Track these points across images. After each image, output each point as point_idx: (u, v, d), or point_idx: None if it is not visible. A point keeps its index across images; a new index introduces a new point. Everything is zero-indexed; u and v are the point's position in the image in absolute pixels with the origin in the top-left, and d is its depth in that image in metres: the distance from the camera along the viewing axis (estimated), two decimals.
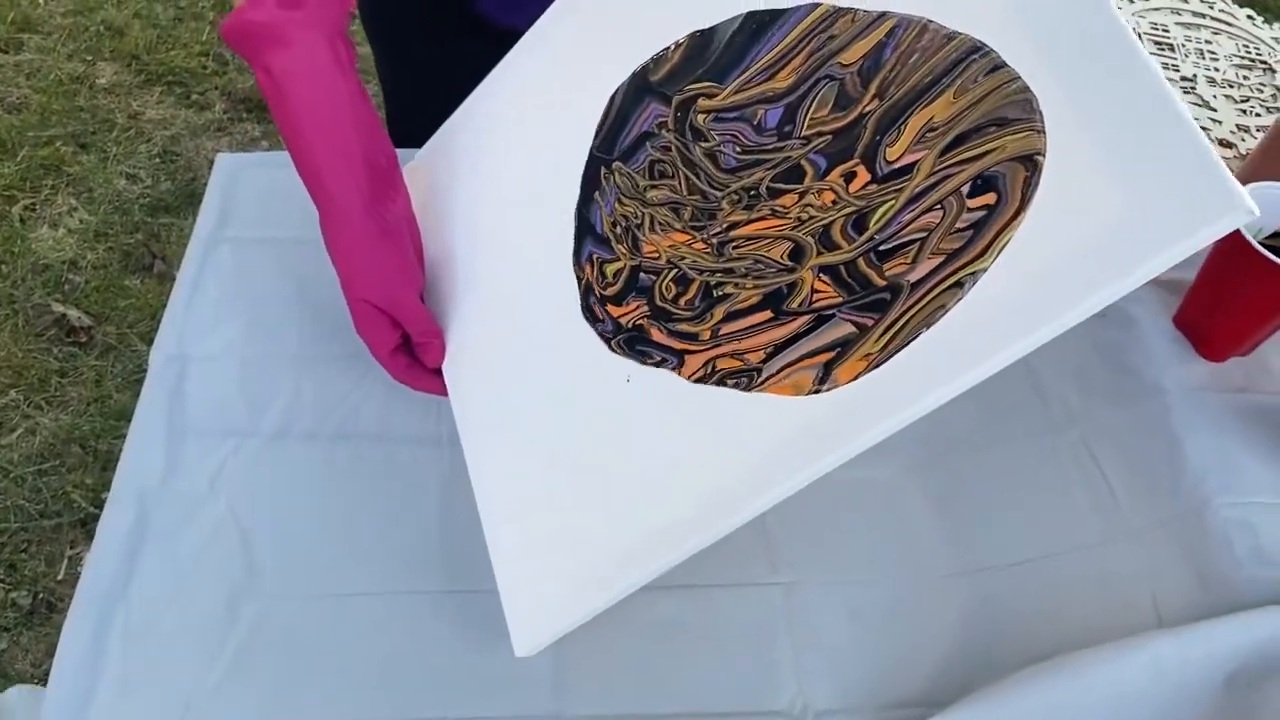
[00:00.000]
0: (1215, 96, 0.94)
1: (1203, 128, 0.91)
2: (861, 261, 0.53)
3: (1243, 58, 0.98)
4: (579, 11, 0.68)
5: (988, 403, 0.73)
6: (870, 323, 0.52)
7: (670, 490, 0.56)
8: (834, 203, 0.55)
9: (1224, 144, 0.90)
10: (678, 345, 0.58)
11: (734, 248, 0.58)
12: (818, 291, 0.54)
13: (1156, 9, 1.02)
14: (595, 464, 0.60)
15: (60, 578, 1.34)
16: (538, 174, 0.68)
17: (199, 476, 0.69)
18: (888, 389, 0.51)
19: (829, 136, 0.56)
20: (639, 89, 0.64)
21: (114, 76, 1.97)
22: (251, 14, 0.61)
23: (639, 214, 0.62)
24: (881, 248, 0.52)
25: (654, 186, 0.62)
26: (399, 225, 0.66)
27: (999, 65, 0.50)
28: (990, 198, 0.49)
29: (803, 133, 0.57)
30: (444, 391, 0.69)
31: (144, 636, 0.62)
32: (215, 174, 0.85)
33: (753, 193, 0.58)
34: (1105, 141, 0.47)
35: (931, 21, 0.53)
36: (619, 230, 0.63)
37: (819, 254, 0.55)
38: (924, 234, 0.51)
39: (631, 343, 0.60)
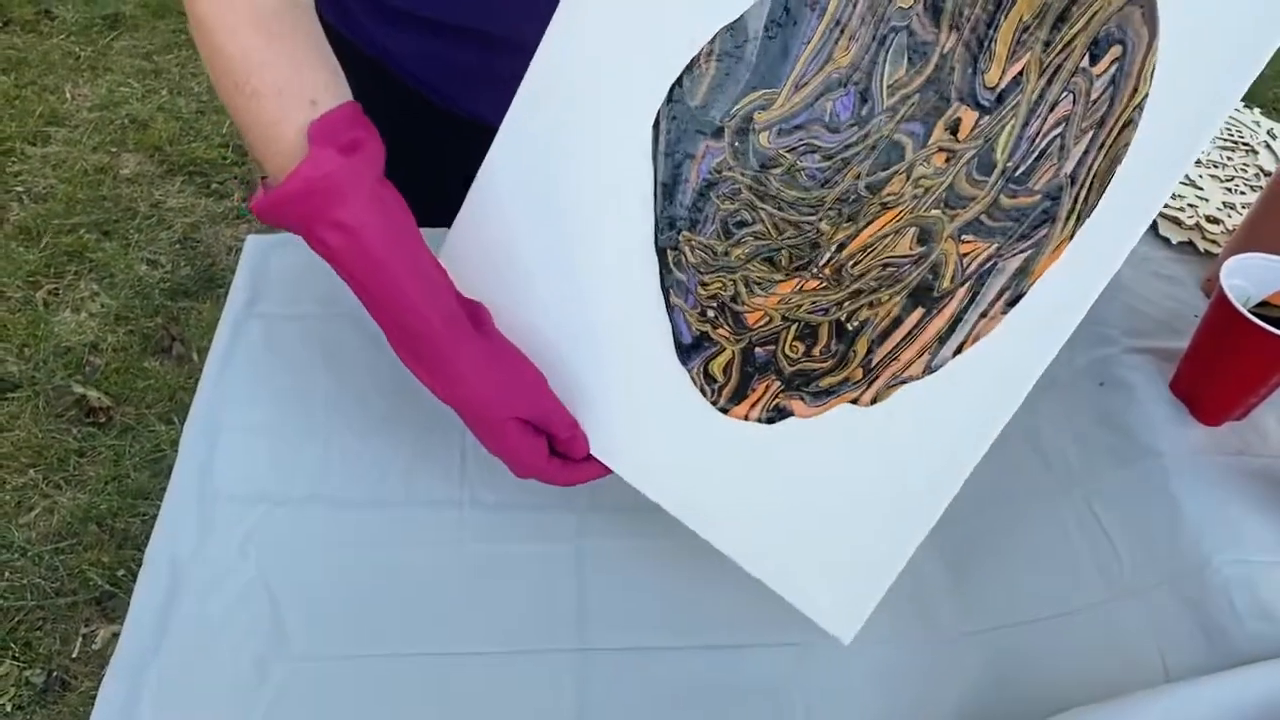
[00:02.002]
0: (1201, 176, 0.99)
1: (1190, 204, 0.95)
2: (1003, 198, 0.49)
3: (1226, 140, 1.03)
4: (578, 43, 0.58)
5: (993, 466, 0.75)
6: (1044, 234, 0.49)
7: (899, 481, 0.55)
8: (949, 160, 0.50)
9: (1211, 220, 0.94)
10: (831, 403, 0.54)
11: (853, 266, 0.52)
12: (966, 254, 0.50)
13: None
14: (817, 509, 0.57)
15: (75, 655, 1.34)
16: (597, 292, 0.61)
17: (230, 542, 0.71)
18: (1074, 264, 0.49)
19: (915, 97, 0.50)
20: (682, 125, 0.56)
21: (137, 167, 2.04)
22: (312, 171, 0.57)
23: (728, 285, 0.56)
24: (1019, 171, 0.49)
25: (736, 244, 0.55)
26: (497, 332, 0.63)
27: None
28: (1116, 50, 0.47)
29: (885, 106, 0.51)
30: (604, 470, 0.65)
31: (176, 698, 0.64)
32: (245, 255, 0.89)
33: (852, 198, 0.52)
34: None
35: None
36: (712, 315, 0.56)
37: (952, 218, 0.50)
38: (1060, 128, 0.48)
39: (778, 421, 0.56)
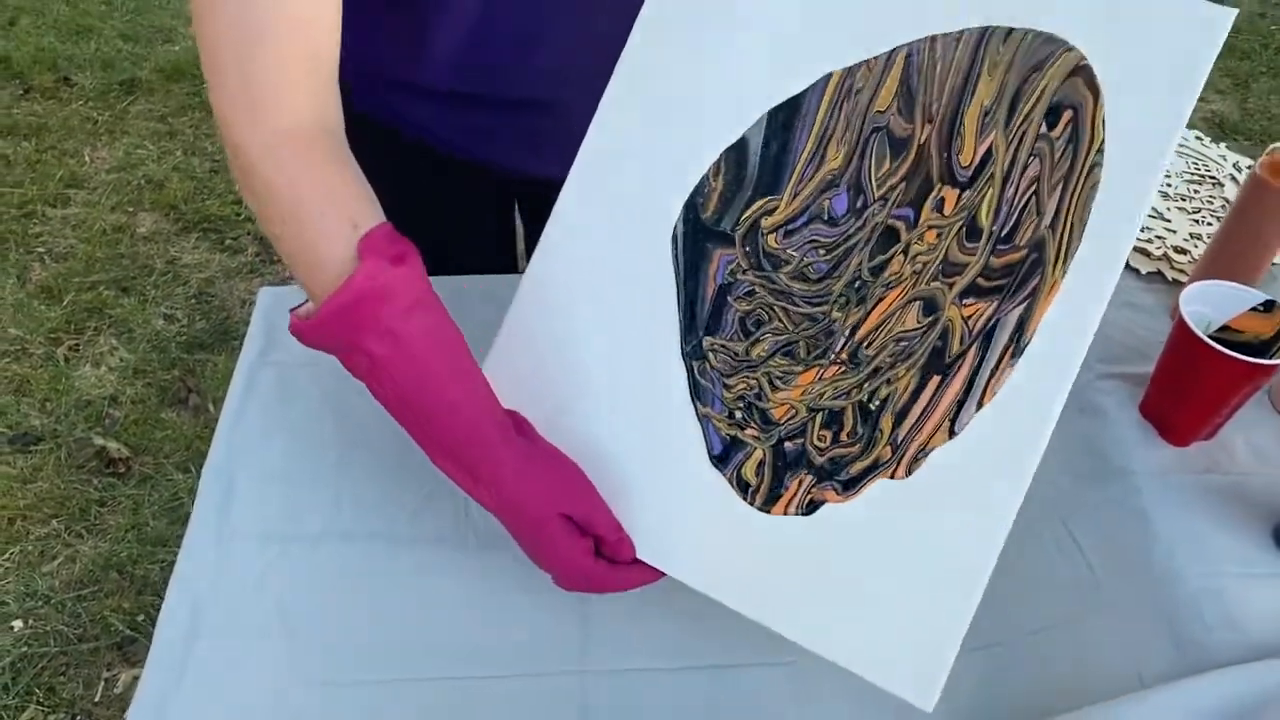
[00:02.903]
0: (1169, 209, 1.03)
1: (1158, 236, 1.00)
2: (994, 259, 0.55)
3: (1193, 174, 1.07)
4: (602, 172, 0.66)
5: None
6: (1036, 283, 0.54)
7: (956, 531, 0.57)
8: (939, 236, 0.56)
9: (1179, 250, 0.98)
10: (863, 488, 0.56)
11: (867, 347, 0.56)
12: (970, 316, 0.55)
13: None
14: (874, 584, 0.58)
15: (97, 700, 1.38)
16: (631, 404, 0.64)
17: (246, 580, 0.75)
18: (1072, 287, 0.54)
19: (902, 185, 0.57)
20: (696, 236, 0.61)
21: (153, 225, 2.10)
22: (365, 281, 0.58)
23: (753, 383, 0.59)
24: (1004, 232, 0.55)
25: (755, 343, 0.59)
26: (539, 436, 0.64)
27: (1011, 30, 0.56)
28: (1068, 114, 0.54)
29: (876, 197, 0.57)
30: (654, 574, 0.64)
31: None
32: (259, 306, 0.94)
33: (858, 284, 0.57)
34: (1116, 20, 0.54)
35: (936, 34, 0.58)
36: (740, 416, 0.59)
37: (951, 285, 0.55)
38: (1033, 187, 0.54)
39: (815, 510, 0.58)
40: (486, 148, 0.93)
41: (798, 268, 0.59)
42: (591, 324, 0.65)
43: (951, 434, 0.55)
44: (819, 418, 0.57)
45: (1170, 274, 0.97)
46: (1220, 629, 0.71)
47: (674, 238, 0.62)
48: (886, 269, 0.57)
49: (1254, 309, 0.80)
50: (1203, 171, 1.08)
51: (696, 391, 0.60)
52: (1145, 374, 0.86)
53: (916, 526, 0.56)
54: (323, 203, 0.60)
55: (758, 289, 0.60)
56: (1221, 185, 1.06)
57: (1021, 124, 0.56)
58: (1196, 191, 1.05)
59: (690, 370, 0.60)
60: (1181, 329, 0.78)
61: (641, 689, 0.69)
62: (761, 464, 0.58)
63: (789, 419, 0.58)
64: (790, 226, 0.60)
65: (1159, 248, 0.98)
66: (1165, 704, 0.67)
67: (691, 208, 0.62)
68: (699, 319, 0.61)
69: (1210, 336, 0.77)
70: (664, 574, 0.63)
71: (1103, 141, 0.54)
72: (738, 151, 0.61)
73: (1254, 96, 2.70)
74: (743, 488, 0.58)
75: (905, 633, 0.58)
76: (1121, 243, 0.53)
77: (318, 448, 0.83)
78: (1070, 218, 0.54)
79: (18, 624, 1.46)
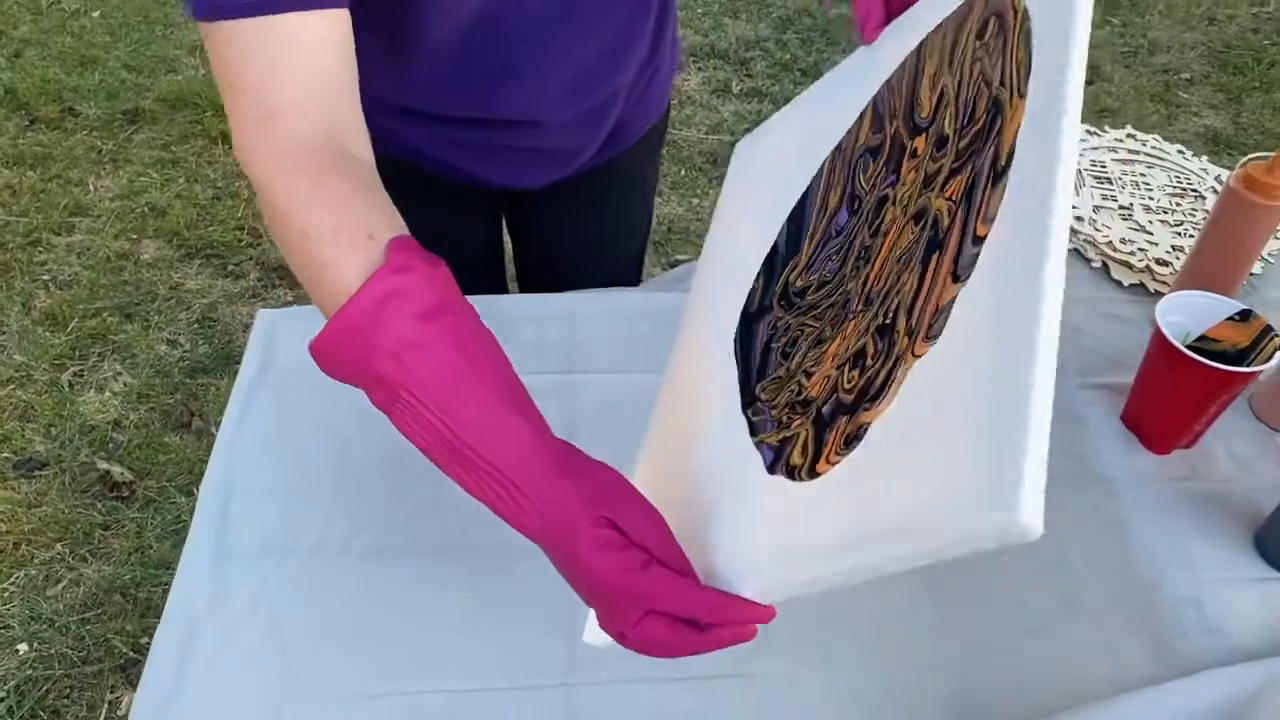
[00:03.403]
0: (1151, 222, 1.04)
1: (1140, 249, 1.01)
2: (960, 144, 0.57)
3: (1175, 187, 1.09)
4: (693, 299, 0.77)
5: None
6: (999, 124, 0.55)
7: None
8: (917, 169, 0.59)
9: (1161, 263, 1.00)
10: (893, 388, 0.53)
11: (878, 285, 0.57)
12: (951, 193, 0.55)
13: (1095, 148, 1.13)
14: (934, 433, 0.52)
15: None
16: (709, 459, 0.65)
17: (243, 591, 0.76)
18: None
19: (883, 169, 0.63)
20: (748, 331, 0.67)
21: (157, 252, 2.13)
22: (363, 298, 0.55)
23: (792, 387, 0.60)
24: (964, 122, 0.57)
25: (792, 360, 0.61)
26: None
27: (937, 27, 0.64)
28: (993, 21, 0.59)
29: (866, 191, 0.63)
30: (750, 634, 0.56)
31: None
32: (256, 328, 0.96)
33: (862, 254, 0.60)
34: None
35: (888, 83, 0.66)
36: (785, 418, 0.59)
37: (931, 190, 0.57)
38: (980, 74, 0.58)
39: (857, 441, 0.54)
40: (472, 164, 0.96)
41: (818, 283, 0.62)
42: (685, 408, 0.71)
43: (956, 279, 0.52)
44: (846, 366, 0.56)
45: (1152, 285, 0.99)
46: (1201, 634, 0.72)
47: (735, 338, 0.68)
48: (882, 225, 0.59)
49: (1230, 318, 0.82)
50: (1184, 184, 1.09)
51: (753, 430, 0.60)
52: (1127, 384, 0.87)
53: (957, 369, 0.50)
54: (335, 221, 0.58)
55: (790, 323, 0.63)
56: (1203, 198, 1.08)
57: (961, 57, 0.60)
58: (1178, 204, 1.07)
59: (748, 419, 0.61)
60: (1159, 339, 0.80)
61: (628, 701, 0.70)
62: (805, 442, 0.55)
63: (824, 388, 0.56)
64: (810, 264, 0.64)
65: (1141, 260, 1.00)
66: (1147, 707, 0.68)
67: (744, 313, 0.69)
68: (751, 380, 0.64)
69: (1188, 346, 0.79)
70: (758, 617, 0.54)
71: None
72: (771, 253, 0.70)
73: (1247, 111, 2.71)
74: (791, 473, 0.55)
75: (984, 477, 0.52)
76: (1073, 42, 0.52)
77: (313, 465, 0.85)
78: (1015, 63, 0.56)
79: (23, 647, 1.48)
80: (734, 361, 0.67)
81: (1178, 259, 1.00)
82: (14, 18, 2.72)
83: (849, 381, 0.55)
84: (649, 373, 0.80)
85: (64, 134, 2.40)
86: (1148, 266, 0.99)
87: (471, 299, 0.97)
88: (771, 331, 0.65)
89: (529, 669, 0.72)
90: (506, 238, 1.19)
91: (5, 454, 1.72)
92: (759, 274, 0.70)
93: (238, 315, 2.01)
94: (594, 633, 0.60)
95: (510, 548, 0.79)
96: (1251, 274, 0.99)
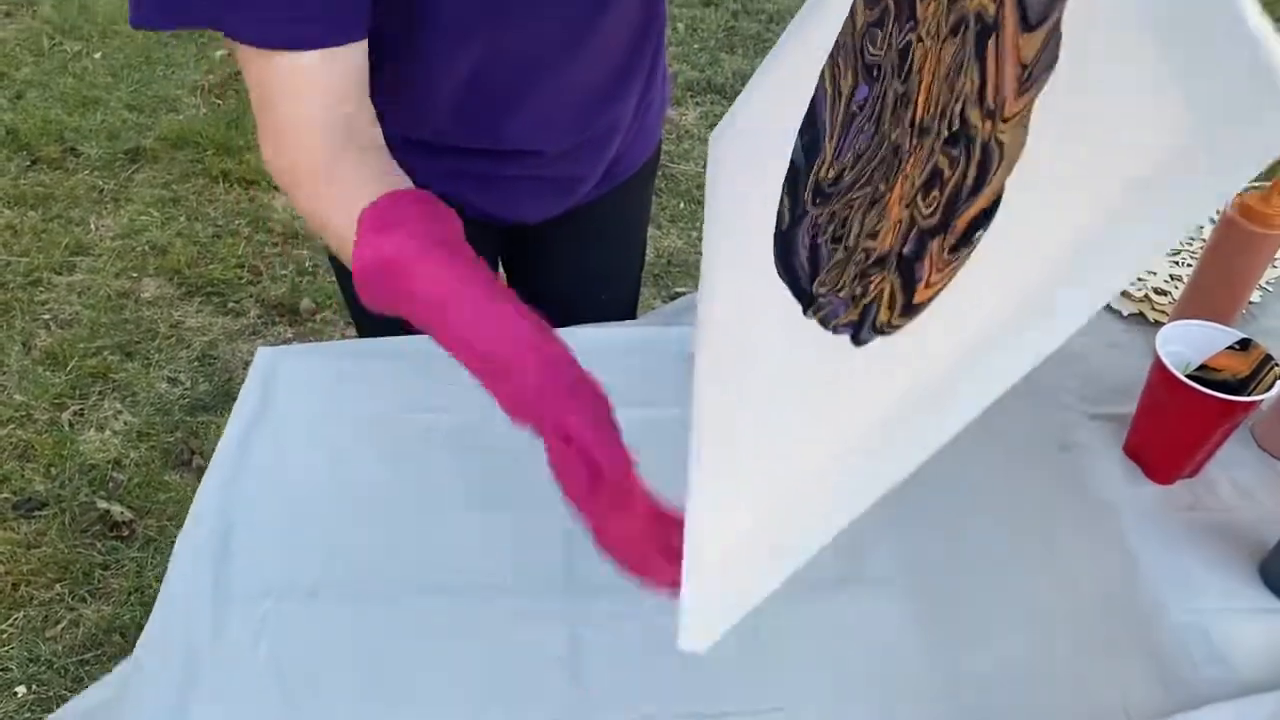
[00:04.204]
0: None
1: (1139, 278, 1.01)
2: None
3: None
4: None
5: (960, 528, 0.80)
6: None
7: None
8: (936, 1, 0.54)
9: (1159, 292, 1.00)
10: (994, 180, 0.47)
11: (931, 110, 0.52)
12: None
13: None
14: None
15: None
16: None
17: (243, 632, 0.76)
18: None
19: (894, 26, 0.57)
20: (786, 242, 0.62)
21: (157, 290, 2.13)
22: (357, 263, 0.64)
23: (859, 257, 0.55)
24: None
25: (837, 238, 0.57)
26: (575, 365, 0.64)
27: None
28: None
29: (882, 52, 0.58)
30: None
31: None
32: (255, 365, 0.96)
33: (899, 92, 0.55)
34: None
35: None
36: (859, 289, 0.53)
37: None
38: None
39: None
40: (474, 196, 0.96)
41: (854, 158, 0.57)
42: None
43: (1031, 27, 0.47)
44: (918, 195, 0.50)
45: (1152, 315, 0.99)
46: (1207, 665, 0.72)
47: (776, 268, 0.62)
48: (913, 65, 0.54)
49: (1230, 348, 0.82)
50: None
51: (830, 327, 0.55)
52: (1128, 414, 0.87)
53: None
54: (346, 215, 0.65)
55: (835, 211, 0.58)
56: (1201, 227, 1.08)
57: None
58: None
59: (819, 319, 0.56)
60: (1159, 369, 0.80)
61: None
62: (892, 291, 0.50)
63: (896, 235, 0.51)
64: (837, 153, 0.59)
65: (1140, 289, 1.00)
66: None
67: (778, 232, 0.63)
68: (803, 283, 0.58)
69: (1189, 376, 0.79)
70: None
71: None
72: (790, 174, 0.64)
73: None
74: (881, 329, 0.50)
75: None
76: None
77: (311, 501, 0.84)
78: None
79: (21, 690, 1.46)
80: (780, 282, 0.60)
81: (1176, 288, 1.00)
82: (16, 59, 2.74)
83: (928, 207, 0.49)
84: (647, 406, 0.79)
85: (65, 174, 2.42)
86: (1146, 296, 0.99)
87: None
88: (814, 230, 0.59)
89: (527, 707, 0.72)
90: (501, 271, 1.19)
91: (5, 494, 1.72)
92: (782, 194, 0.64)
93: (238, 352, 2.01)
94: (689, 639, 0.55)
95: (508, 588, 0.79)
96: (1250, 302, 0.99)
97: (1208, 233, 1.07)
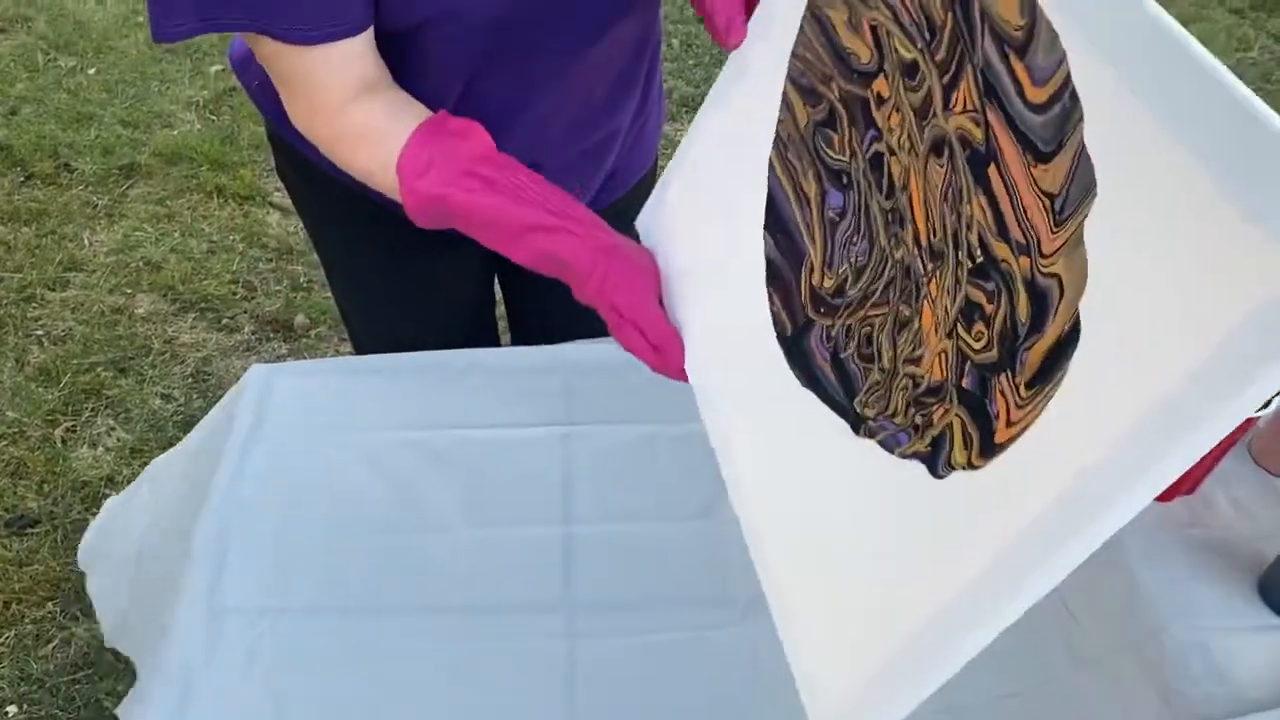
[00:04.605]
0: None
1: None
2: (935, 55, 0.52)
3: None
4: None
5: None
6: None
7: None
8: (896, 109, 0.55)
9: None
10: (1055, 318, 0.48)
11: (934, 235, 0.53)
12: (965, 111, 0.50)
13: None
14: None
15: None
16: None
17: (237, 650, 0.75)
18: None
19: (851, 132, 0.58)
20: (796, 349, 0.63)
21: (151, 306, 2.13)
22: (407, 197, 0.74)
23: (906, 380, 0.55)
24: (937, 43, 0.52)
25: (865, 355, 0.58)
26: (617, 244, 0.72)
27: None
28: None
29: (846, 158, 0.59)
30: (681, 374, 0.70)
31: None
32: (251, 383, 0.96)
33: (886, 208, 0.56)
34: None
35: (794, 55, 0.63)
36: (919, 419, 0.54)
37: (942, 116, 0.52)
38: None
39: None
40: None
41: (855, 271, 0.58)
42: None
43: (1043, 159, 0.47)
44: (959, 326, 0.51)
45: None
46: (1207, 683, 0.71)
47: (795, 376, 0.63)
48: (893, 182, 0.55)
49: None
50: None
51: (886, 448, 0.56)
52: None
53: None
54: (384, 166, 0.74)
55: (850, 324, 0.58)
56: None
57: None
58: None
59: (879, 443, 0.56)
60: None
61: None
62: (964, 426, 0.50)
63: (945, 364, 0.51)
64: (828, 260, 0.60)
65: None
66: None
67: (782, 339, 0.64)
68: (841, 398, 0.59)
69: None
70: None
71: None
72: (772, 272, 0.65)
73: None
74: (971, 466, 0.50)
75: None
76: None
77: (307, 520, 0.84)
78: None
79: (12, 709, 1.45)
80: (808, 389, 0.61)
81: None
82: (11, 75, 2.74)
83: (977, 340, 0.50)
84: (645, 423, 0.80)
85: (59, 189, 2.41)
86: None
87: (465, 352, 0.98)
88: (830, 341, 0.60)
89: None
90: (498, 288, 1.19)
91: None
92: (770, 296, 0.65)
93: (232, 369, 2.00)
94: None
95: (504, 606, 0.78)
96: None
97: None
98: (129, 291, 2.16)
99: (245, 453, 0.89)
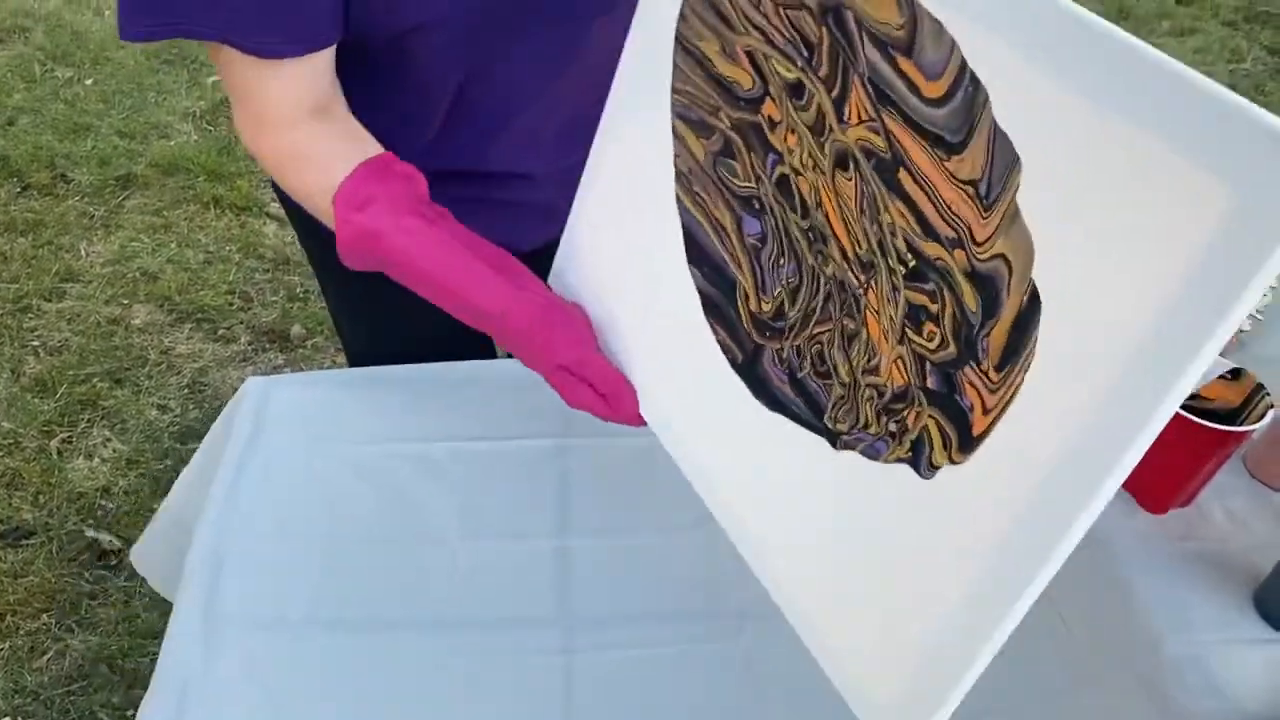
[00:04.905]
0: None
1: None
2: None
3: None
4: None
5: None
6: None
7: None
8: (792, 130, 0.56)
9: None
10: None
11: (860, 247, 0.53)
12: (862, 121, 0.51)
13: None
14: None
15: None
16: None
17: (234, 662, 0.75)
18: None
19: (741, 153, 0.59)
20: (752, 374, 0.64)
21: (147, 317, 2.13)
22: (339, 237, 0.74)
23: (856, 391, 0.56)
24: (816, 60, 0.53)
25: (820, 373, 0.59)
26: (552, 301, 0.74)
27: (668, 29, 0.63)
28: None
29: (752, 184, 0.59)
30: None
31: None
32: (248, 395, 0.96)
33: (805, 227, 0.56)
34: None
35: (674, 91, 0.64)
36: (893, 425, 0.54)
37: (839, 130, 0.52)
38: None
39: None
40: (467, 222, 0.96)
41: (790, 293, 0.58)
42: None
43: (953, 150, 0.48)
44: (907, 330, 0.51)
45: None
46: (1204, 696, 0.72)
47: (761, 402, 0.63)
48: (804, 200, 0.56)
49: (1222, 377, 0.82)
50: None
51: (873, 459, 0.56)
52: None
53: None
54: (324, 194, 0.74)
55: (798, 345, 0.59)
56: None
57: (743, 16, 0.57)
58: None
59: (861, 453, 0.57)
60: None
61: None
62: (940, 425, 0.51)
63: (903, 369, 0.52)
64: (760, 285, 0.60)
65: None
66: None
67: (736, 366, 0.64)
68: (809, 417, 0.59)
69: (1181, 406, 0.79)
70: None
71: None
72: (707, 305, 0.66)
73: None
74: (953, 462, 0.51)
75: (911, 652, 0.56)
76: None
77: (304, 532, 0.84)
78: None
79: None
80: (776, 413, 0.61)
81: None
82: (8, 86, 2.74)
83: (930, 340, 0.50)
84: (641, 435, 0.79)
85: (56, 200, 2.41)
86: None
87: (461, 364, 0.98)
88: (784, 364, 0.60)
89: None
90: None
91: None
92: (713, 327, 0.65)
93: (228, 380, 2.00)
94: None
95: (500, 619, 0.78)
96: (1241, 331, 0.99)
97: None
98: (125, 302, 2.16)
99: (242, 465, 0.89)
